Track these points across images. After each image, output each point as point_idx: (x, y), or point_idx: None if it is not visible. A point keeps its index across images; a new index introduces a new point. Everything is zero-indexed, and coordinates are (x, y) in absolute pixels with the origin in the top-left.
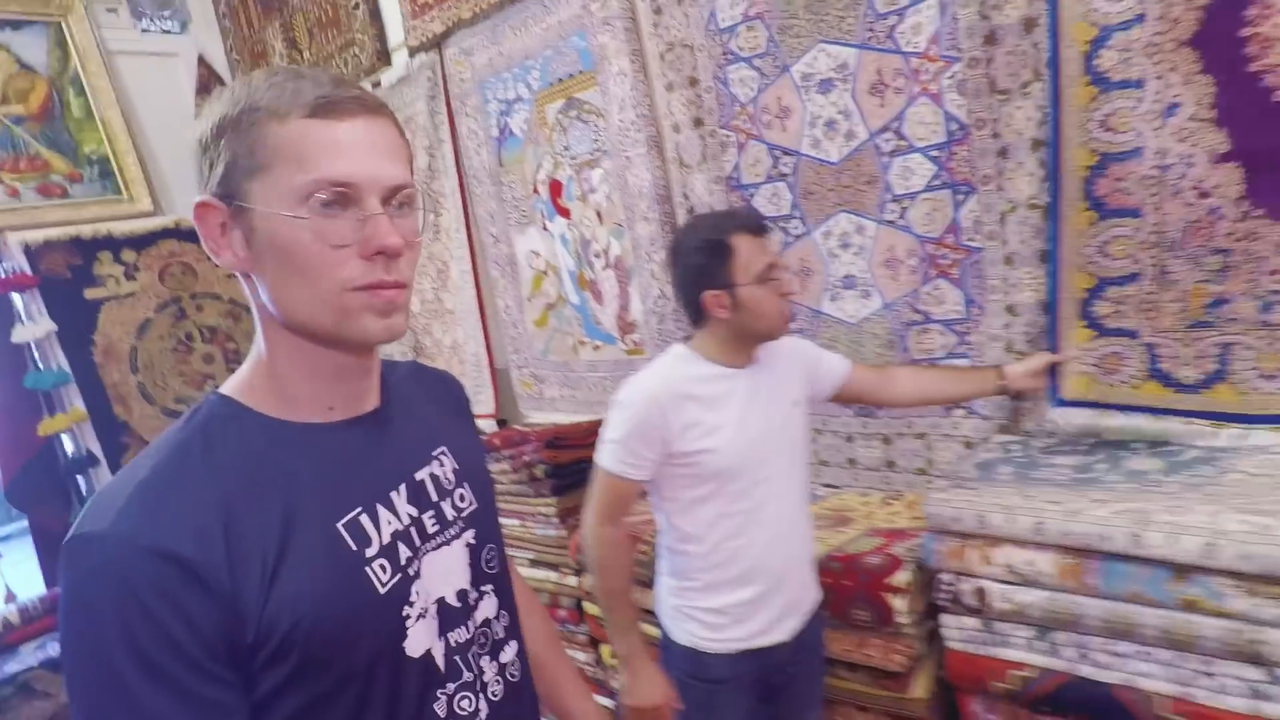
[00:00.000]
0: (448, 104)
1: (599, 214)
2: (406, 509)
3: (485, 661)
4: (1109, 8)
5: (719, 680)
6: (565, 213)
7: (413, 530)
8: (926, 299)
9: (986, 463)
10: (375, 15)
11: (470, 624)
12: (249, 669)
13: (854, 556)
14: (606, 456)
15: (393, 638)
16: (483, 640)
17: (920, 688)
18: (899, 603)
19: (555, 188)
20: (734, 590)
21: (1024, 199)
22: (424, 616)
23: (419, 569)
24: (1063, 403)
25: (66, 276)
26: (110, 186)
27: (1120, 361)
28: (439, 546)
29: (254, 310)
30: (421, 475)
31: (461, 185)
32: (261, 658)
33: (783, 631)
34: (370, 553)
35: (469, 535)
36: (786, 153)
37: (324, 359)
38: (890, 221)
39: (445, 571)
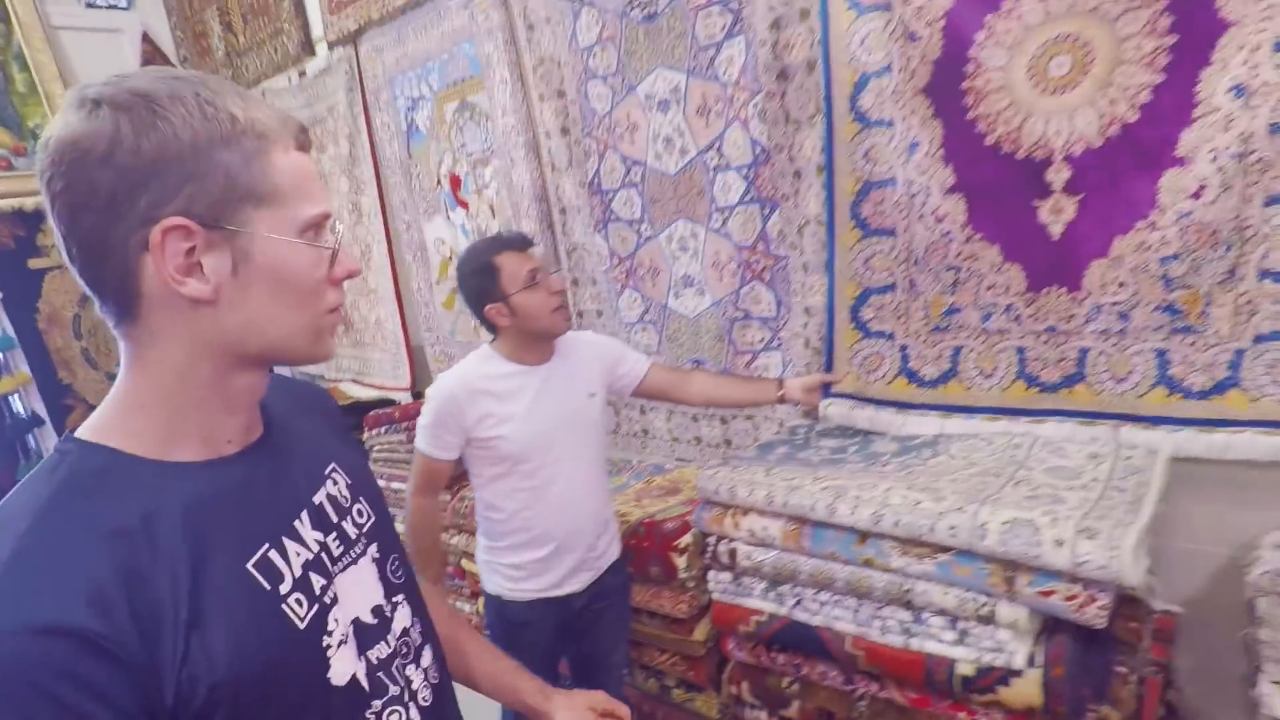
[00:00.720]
0: (363, 97)
1: (492, 208)
2: (312, 535)
3: (411, 670)
4: (867, 57)
5: (521, 623)
6: (465, 205)
7: (323, 556)
8: (746, 298)
9: (769, 443)
10: (300, 7)
11: (390, 638)
12: None
13: (658, 522)
14: (419, 439)
15: (316, 672)
16: (404, 651)
17: (701, 632)
18: (681, 561)
19: (455, 181)
20: (529, 550)
21: (814, 216)
22: (344, 643)
23: (334, 595)
24: (832, 395)
25: (11, 247)
26: None
27: (879, 360)
28: (347, 567)
29: (163, 347)
30: (319, 498)
31: (377, 173)
32: None
33: (575, 584)
34: (284, 589)
35: (373, 549)
36: (636, 163)
37: (247, 387)
38: (715, 229)
39: (358, 591)
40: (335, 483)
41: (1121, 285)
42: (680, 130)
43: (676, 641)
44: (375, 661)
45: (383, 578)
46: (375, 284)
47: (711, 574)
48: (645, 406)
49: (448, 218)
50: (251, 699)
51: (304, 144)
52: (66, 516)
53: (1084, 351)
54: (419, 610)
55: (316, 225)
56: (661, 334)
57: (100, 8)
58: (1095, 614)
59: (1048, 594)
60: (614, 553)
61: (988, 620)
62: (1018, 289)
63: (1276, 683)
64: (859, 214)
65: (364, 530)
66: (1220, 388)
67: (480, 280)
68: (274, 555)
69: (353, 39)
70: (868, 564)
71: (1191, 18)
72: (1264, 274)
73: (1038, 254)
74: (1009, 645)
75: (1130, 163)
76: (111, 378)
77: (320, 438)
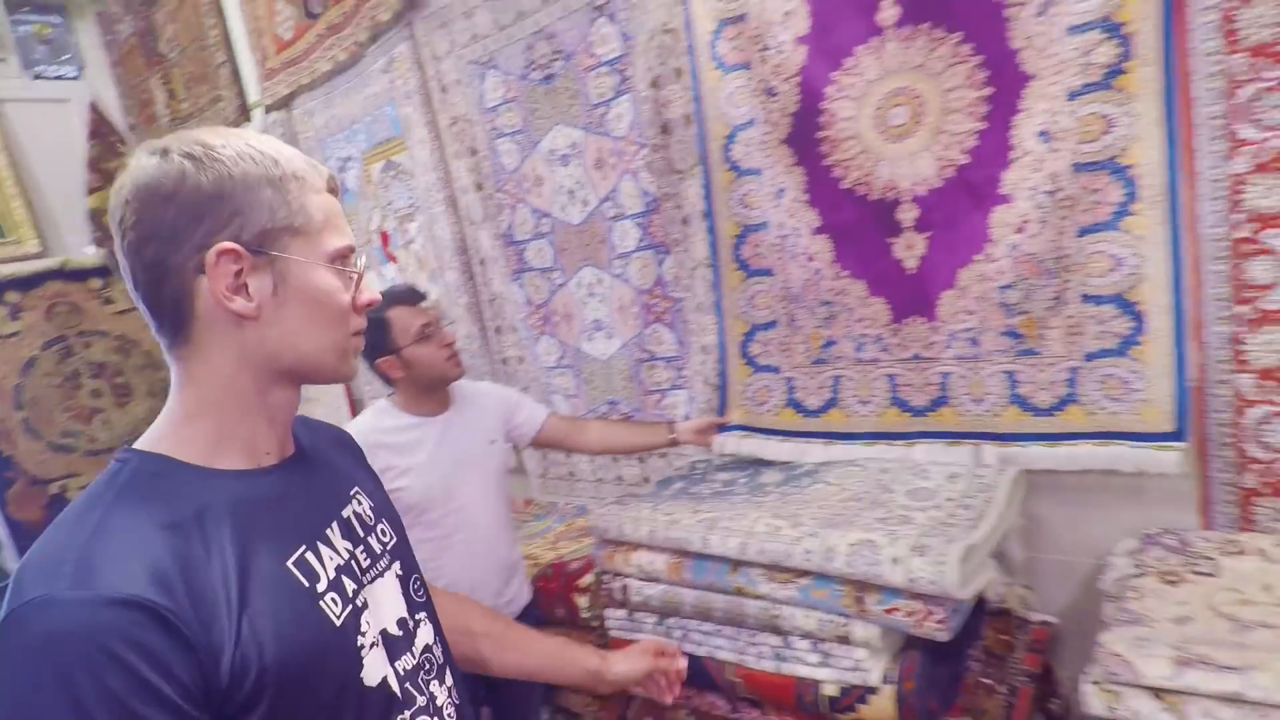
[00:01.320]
0: None
1: (419, 261)
2: (343, 544)
3: (435, 686)
4: (734, 111)
5: None
6: (394, 259)
7: (352, 564)
8: (650, 340)
9: (667, 479)
10: (236, 75)
11: (414, 651)
12: (224, 713)
13: (565, 563)
14: None
15: (352, 669)
16: (428, 666)
17: None
18: (583, 601)
19: (385, 237)
20: None
21: (702, 259)
22: (376, 646)
23: (365, 600)
24: (726, 429)
25: None
26: None
27: (768, 393)
28: (374, 579)
29: (211, 361)
30: (347, 513)
31: None
32: (235, 704)
33: None
34: (321, 588)
35: (396, 567)
36: (544, 214)
37: (279, 397)
38: (617, 275)
39: (385, 602)
40: (360, 503)
41: (970, 313)
42: (581, 183)
43: None
44: (402, 672)
45: (405, 594)
46: None
47: (608, 611)
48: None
49: (380, 273)
50: (294, 689)
51: (333, 188)
52: (130, 512)
53: (945, 376)
54: (439, 632)
55: (343, 256)
56: (578, 377)
57: (48, 78)
58: (934, 628)
59: (892, 611)
60: (524, 597)
61: (845, 640)
62: (884, 320)
63: (1096, 682)
64: (740, 256)
65: (387, 548)
66: (1063, 404)
67: (371, 335)
68: (310, 556)
69: (286, 103)
70: (740, 592)
71: (1001, 71)
72: (1085, 298)
73: (897, 287)
74: (865, 664)
75: (966, 201)
76: (54, 447)
77: (343, 465)
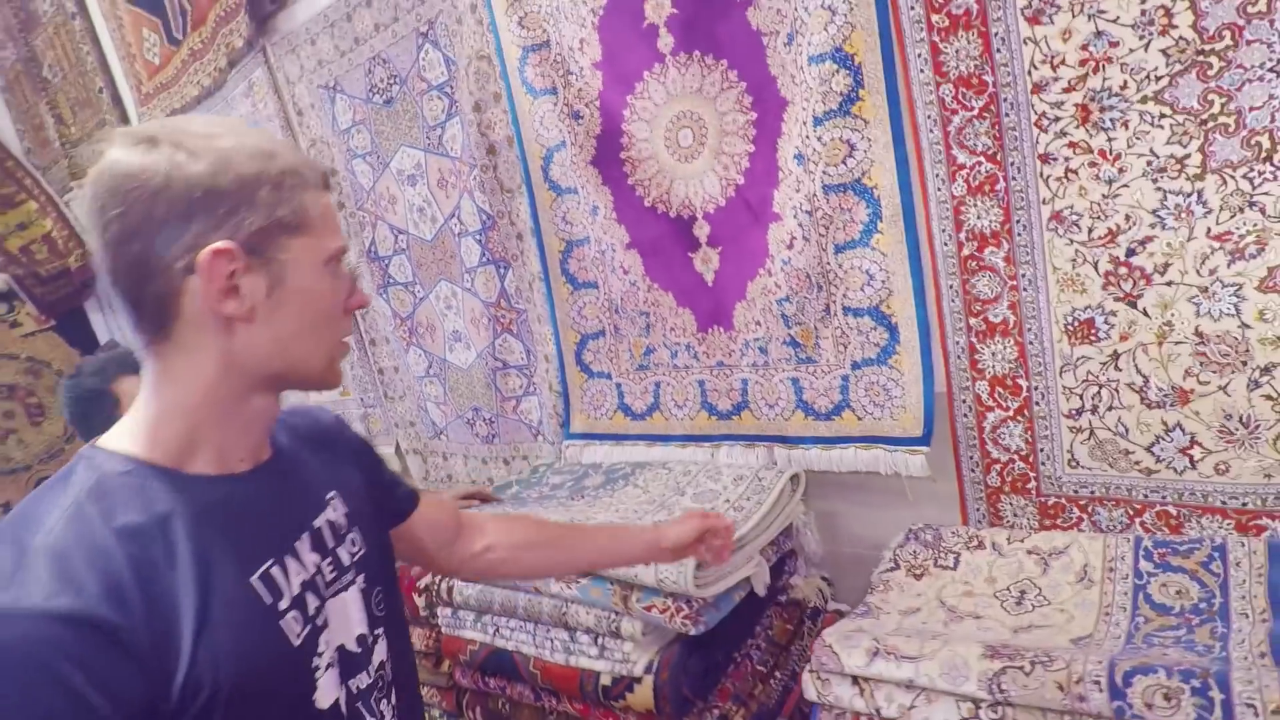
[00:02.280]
0: None
1: None
2: (311, 557)
3: (384, 705)
4: (547, 134)
5: None
6: None
7: (317, 579)
8: (501, 349)
9: (504, 484)
10: (117, 100)
11: (370, 669)
12: None
13: (407, 566)
14: None
15: (305, 691)
16: (380, 684)
17: (445, 664)
18: (420, 600)
19: None
20: None
21: (536, 273)
22: (331, 666)
23: (325, 618)
24: (571, 436)
25: None
26: None
27: (603, 398)
28: (337, 593)
29: (193, 363)
30: (319, 522)
31: None
32: None
33: None
34: (283, 605)
35: (360, 580)
36: (401, 231)
37: (263, 409)
38: (467, 288)
39: (346, 618)
40: (335, 509)
41: (758, 324)
42: (428, 200)
43: (430, 673)
44: (355, 691)
45: (367, 608)
46: None
47: (439, 609)
48: (447, 453)
49: None
50: (244, 710)
51: (328, 185)
52: (89, 515)
53: (745, 382)
54: (394, 646)
55: (337, 257)
56: (445, 385)
57: None
58: (683, 623)
59: (650, 608)
60: None
61: (617, 635)
62: (692, 330)
63: (813, 671)
64: (567, 270)
65: (355, 559)
66: (838, 409)
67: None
68: (275, 571)
69: None
70: (537, 590)
71: (762, 96)
72: (847, 310)
73: (700, 299)
74: (631, 656)
75: (746, 219)
76: None
77: (327, 466)
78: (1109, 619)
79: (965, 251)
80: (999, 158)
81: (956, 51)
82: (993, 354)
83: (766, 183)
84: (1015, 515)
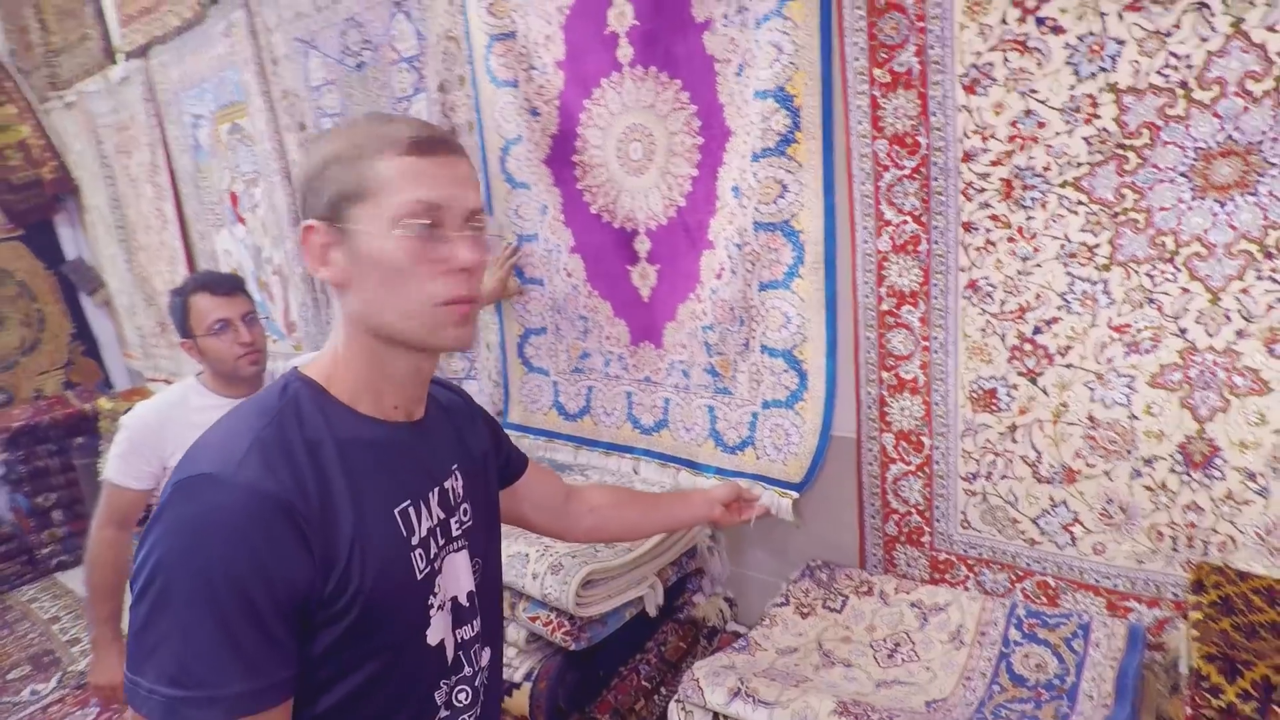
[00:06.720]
0: (157, 109)
1: (264, 226)
2: (436, 510)
3: (482, 656)
4: (506, 125)
5: None
6: (243, 221)
7: (439, 530)
8: None
9: None
10: (100, 15)
11: (475, 622)
12: (315, 619)
13: None
14: (109, 469)
15: (418, 622)
16: (480, 638)
17: None
18: None
19: (234, 198)
20: None
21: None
22: (442, 609)
23: (441, 565)
24: (505, 425)
25: None
26: None
27: (539, 393)
28: (452, 551)
29: (340, 317)
30: (446, 484)
31: (174, 183)
32: (328, 611)
33: None
34: (414, 541)
35: (468, 547)
36: None
37: (399, 362)
38: None
39: (458, 573)
40: (456, 479)
41: (684, 346)
42: None
43: None
44: (461, 640)
45: (472, 572)
46: None
47: None
48: None
49: (230, 232)
50: (374, 620)
51: (411, 149)
52: (288, 425)
53: (667, 401)
54: (487, 612)
55: (410, 215)
56: None
57: None
58: (563, 638)
59: (534, 619)
60: None
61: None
62: (625, 341)
63: (678, 701)
64: (516, 264)
65: (465, 528)
66: (743, 445)
67: (175, 315)
68: (411, 511)
69: (143, 52)
70: None
71: (710, 123)
72: (764, 348)
73: (635, 313)
74: (514, 662)
75: (684, 242)
76: None
77: (455, 438)
78: (968, 684)
79: (884, 306)
80: (924, 219)
81: (895, 109)
82: (901, 409)
83: (705, 210)
84: (909, 565)
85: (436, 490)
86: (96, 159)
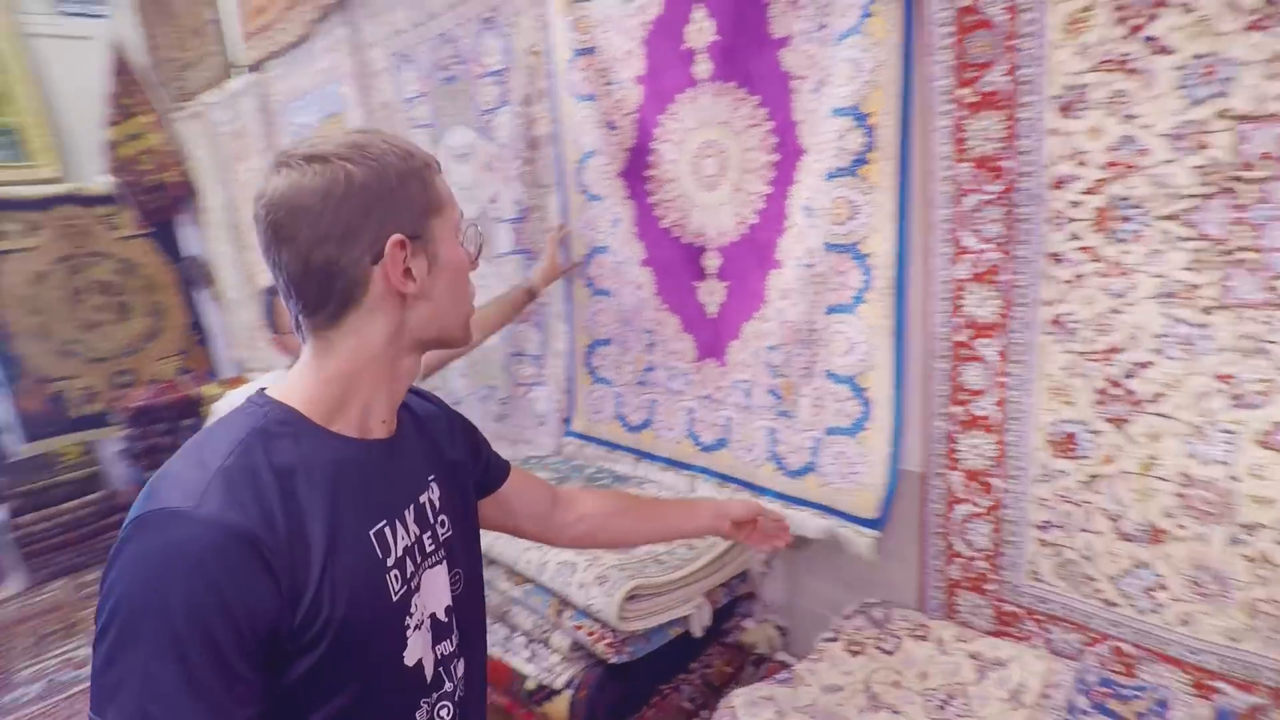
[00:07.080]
0: (269, 119)
1: None
2: (413, 527)
3: (457, 669)
4: (583, 139)
5: None
6: None
7: (415, 548)
8: (519, 337)
9: None
10: (221, 34)
11: (453, 638)
12: (286, 649)
13: None
14: None
15: (395, 645)
16: (456, 652)
17: None
18: None
19: None
20: None
21: None
22: (419, 628)
23: (419, 583)
24: (570, 433)
25: None
26: (18, 154)
27: (603, 403)
28: (431, 566)
29: (364, 339)
30: (423, 499)
31: None
32: (299, 641)
33: None
34: (389, 562)
35: (447, 560)
36: None
37: (409, 369)
38: (495, 273)
39: (436, 589)
40: (433, 491)
41: (747, 365)
42: (474, 181)
43: None
44: (440, 656)
45: (451, 585)
46: None
47: None
48: None
49: None
50: (348, 648)
51: (439, 167)
52: (255, 451)
53: (728, 420)
54: (465, 620)
55: (463, 226)
56: (468, 359)
57: (77, 15)
58: (605, 650)
59: (579, 628)
60: None
61: (546, 644)
62: (690, 357)
63: None
64: (587, 274)
65: (442, 541)
66: (805, 470)
67: (265, 312)
68: (387, 531)
69: (258, 66)
70: (488, 583)
71: (785, 140)
72: (829, 374)
73: (701, 328)
74: (556, 668)
75: (753, 260)
76: (58, 352)
77: (430, 449)
78: None
79: (959, 337)
80: (1007, 248)
81: (980, 131)
82: (971, 447)
83: (775, 228)
84: (972, 613)
85: (413, 506)
86: (214, 165)
